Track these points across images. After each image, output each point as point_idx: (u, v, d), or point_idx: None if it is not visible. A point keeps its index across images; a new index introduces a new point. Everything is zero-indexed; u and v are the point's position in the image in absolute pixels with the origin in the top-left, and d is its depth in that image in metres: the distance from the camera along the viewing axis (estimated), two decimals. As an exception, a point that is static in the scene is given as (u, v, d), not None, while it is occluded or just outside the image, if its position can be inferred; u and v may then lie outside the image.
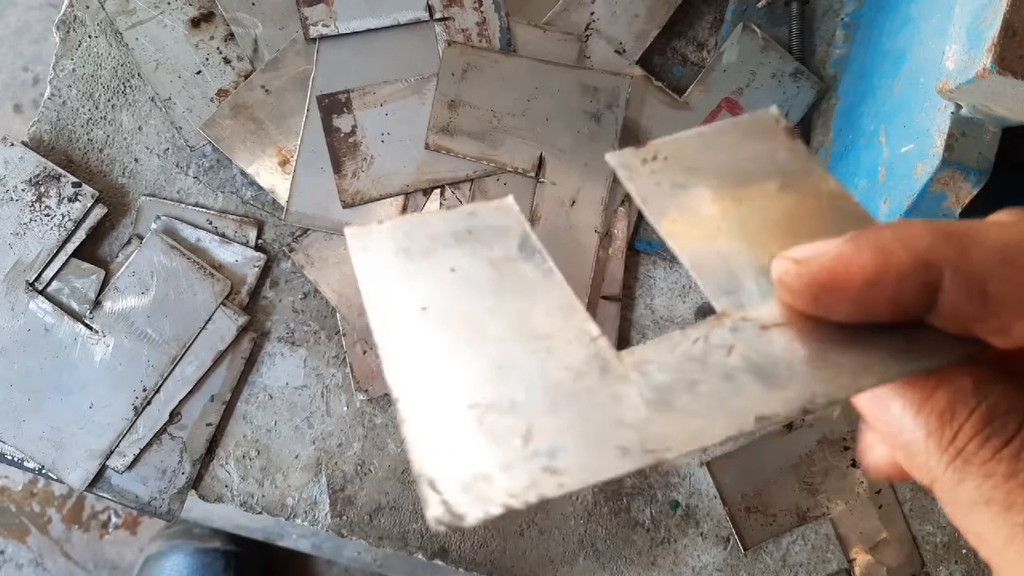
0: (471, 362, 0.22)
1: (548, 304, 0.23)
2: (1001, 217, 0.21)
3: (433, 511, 0.20)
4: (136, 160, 0.56)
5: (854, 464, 0.56)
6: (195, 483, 0.55)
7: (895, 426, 0.22)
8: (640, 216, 0.57)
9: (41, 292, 0.53)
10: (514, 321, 0.23)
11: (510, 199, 0.26)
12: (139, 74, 0.56)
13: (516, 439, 0.21)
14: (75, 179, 0.54)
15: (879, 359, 0.21)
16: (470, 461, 0.21)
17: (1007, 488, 0.19)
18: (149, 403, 0.54)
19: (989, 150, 0.43)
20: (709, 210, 0.25)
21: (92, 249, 0.55)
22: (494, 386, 0.22)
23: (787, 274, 0.21)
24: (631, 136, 0.56)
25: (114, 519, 1.18)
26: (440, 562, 0.56)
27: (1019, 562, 0.18)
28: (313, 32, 0.55)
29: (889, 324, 0.22)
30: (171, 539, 1.05)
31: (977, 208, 0.44)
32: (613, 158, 0.26)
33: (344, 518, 0.55)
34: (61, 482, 0.53)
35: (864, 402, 0.23)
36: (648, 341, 0.23)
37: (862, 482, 0.56)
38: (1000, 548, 0.19)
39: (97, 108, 0.56)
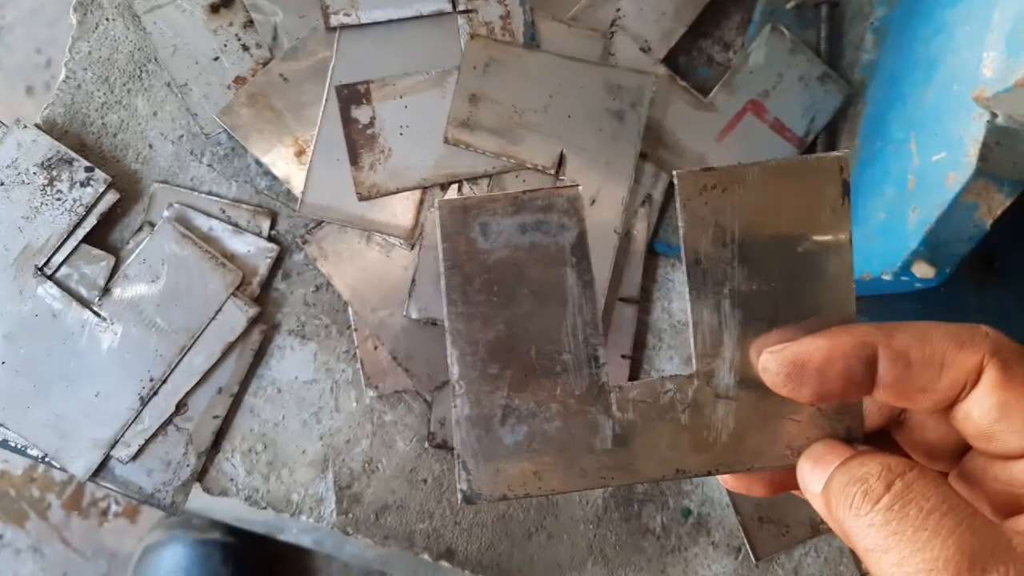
0: (508, 363, 0.29)
1: (576, 318, 0.29)
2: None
3: (461, 485, 0.29)
4: (150, 146, 0.55)
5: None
6: (200, 476, 0.54)
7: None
8: (660, 217, 0.56)
9: (50, 277, 0.52)
10: (546, 333, 0.29)
11: (579, 191, 0.29)
12: (156, 59, 0.55)
13: (524, 443, 0.29)
14: (88, 163, 0.53)
15: (770, 450, 0.30)
16: (491, 455, 0.29)
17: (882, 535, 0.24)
18: (156, 393, 0.53)
19: (1024, 161, 0.42)
20: (731, 267, 0.29)
21: (103, 235, 0.54)
22: (520, 395, 0.29)
23: (768, 362, 0.28)
24: (654, 136, 0.55)
25: (114, 507, 1.17)
26: (446, 563, 0.55)
27: None
28: (334, 21, 0.54)
29: (831, 407, 0.30)
30: (170, 529, 1.04)
31: (1008, 221, 0.43)
32: (679, 178, 0.29)
33: (350, 516, 0.55)
34: (64, 471, 0.52)
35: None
36: (641, 380, 0.30)
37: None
38: None
39: (112, 92, 0.55)
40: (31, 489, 1.17)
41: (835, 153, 0.29)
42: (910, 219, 0.46)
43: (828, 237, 0.29)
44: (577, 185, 0.29)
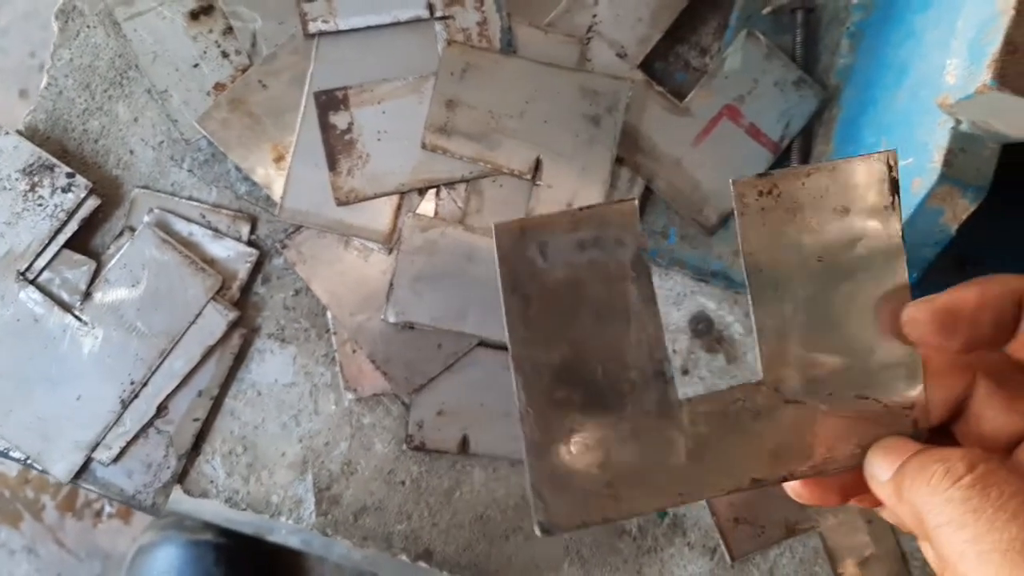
0: (575, 385, 0.28)
1: (640, 335, 0.29)
2: None
3: (538, 516, 0.28)
4: (131, 152, 0.56)
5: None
6: (180, 478, 0.55)
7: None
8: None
9: (32, 282, 0.53)
10: (611, 351, 0.29)
11: (635, 205, 0.29)
12: (136, 66, 0.56)
13: (596, 468, 0.28)
14: (69, 169, 0.53)
15: (839, 450, 0.30)
16: (566, 482, 0.28)
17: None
18: (136, 396, 0.53)
19: (987, 166, 0.43)
20: (790, 271, 0.30)
21: (84, 240, 0.55)
22: (589, 417, 0.29)
23: (917, 312, 0.29)
24: (630, 141, 0.55)
25: (108, 508, 1.18)
26: (424, 564, 0.55)
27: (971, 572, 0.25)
28: (312, 28, 0.54)
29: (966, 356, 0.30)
30: (163, 530, 1.05)
31: (973, 225, 0.44)
32: (736, 185, 0.29)
33: (329, 517, 0.55)
34: (46, 473, 0.53)
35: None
36: (710, 392, 0.30)
37: (853, 497, 0.56)
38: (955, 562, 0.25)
39: (93, 99, 0.56)
40: (25, 490, 1.18)
41: (884, 151, 0.30)
42: (878, 224, 0.46)
43: (880, 233, 0.30)
44: (633, 199, 0.29)
